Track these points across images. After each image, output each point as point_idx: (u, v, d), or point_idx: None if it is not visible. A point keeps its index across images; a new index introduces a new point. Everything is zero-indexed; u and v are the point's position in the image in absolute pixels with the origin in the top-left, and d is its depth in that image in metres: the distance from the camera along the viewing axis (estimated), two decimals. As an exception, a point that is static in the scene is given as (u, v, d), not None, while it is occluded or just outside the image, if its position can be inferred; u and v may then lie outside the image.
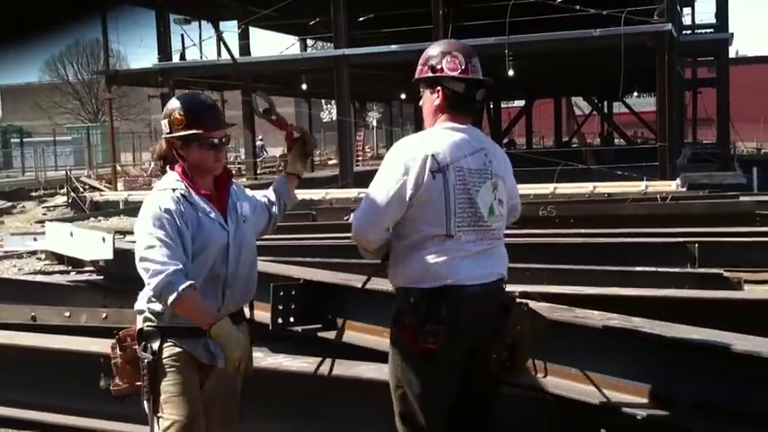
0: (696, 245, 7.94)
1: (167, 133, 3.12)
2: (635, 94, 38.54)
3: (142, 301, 3.11)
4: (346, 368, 4.06)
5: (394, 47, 22.27)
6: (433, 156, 3.02)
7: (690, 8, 32.71)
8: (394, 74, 25.31)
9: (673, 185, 17.30)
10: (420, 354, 2.99)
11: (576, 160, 21.52)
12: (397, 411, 3.13)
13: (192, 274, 2.95)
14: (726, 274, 6.62)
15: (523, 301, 3.20)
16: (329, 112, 45.59)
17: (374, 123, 38.25)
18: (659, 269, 6.87)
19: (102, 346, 4.81)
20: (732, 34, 23.33)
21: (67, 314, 6.05)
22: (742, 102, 22.93)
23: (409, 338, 3.01)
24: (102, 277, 7.13)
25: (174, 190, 3.07)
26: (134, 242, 3.11)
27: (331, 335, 4.81)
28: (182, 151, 3.11)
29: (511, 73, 19.87)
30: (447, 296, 2.98)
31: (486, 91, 3.24)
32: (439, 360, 2.99)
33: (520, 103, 37.22)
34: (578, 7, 19.04)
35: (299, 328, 4.72)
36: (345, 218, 12.47)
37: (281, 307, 4.76)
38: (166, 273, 2.87)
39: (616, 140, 34.40)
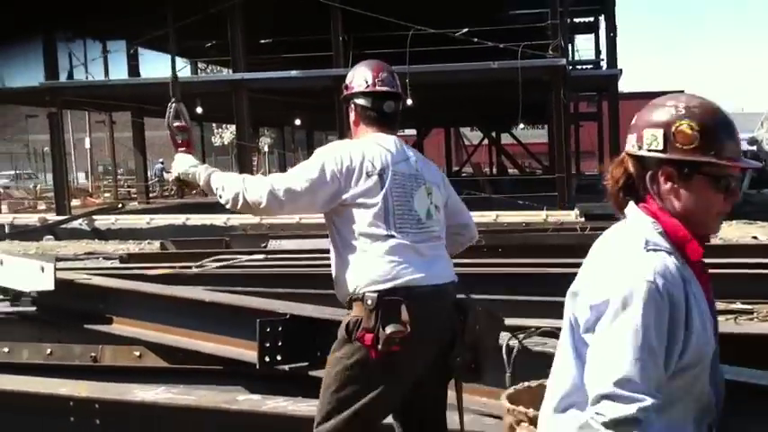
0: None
1: (657, 150, 1.94)
2: (521, 126, 39.74)
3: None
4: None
5: (293, 72, 22.18)
6: (368, 159, 3.07)
7: (570, 44, 34.19)
8: (292, 99, 25.12)
9: (572, 215, 17.82)
10: (380, 357, 2.84)
11: (471, 189, 21.85)
12: (328, 410, 2.94)
13: (665, 401, 1.82)
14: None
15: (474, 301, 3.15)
16: (220, 137, 44.82)
17: (266, 149, 37.87)
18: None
19: (72, 388, 4.43)
20: (621, 70, 24.44)
21: (6, 349, 5.56)
22: (620, 135, 24.27)
23: (368, 342, 2.85)
24: (34, 309, 6.57)
25: (669, 254, 1.88)
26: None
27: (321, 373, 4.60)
28: (676, 184, 1.93)
29: (409, 102, 20.03)
30: (404, 296, 2.89)
31: (397, 103, 3.26)
32: (398, 364, 2.87)
33: (412, 131, 37.75)
34: (476, 39, 19.48)
35: (286, 367, 4.48)
36: (263, 245, 12.14)
37: (267, 344, 4.46)
38: (642, 407, 1.74)
39: (509, 170, 35.36)
